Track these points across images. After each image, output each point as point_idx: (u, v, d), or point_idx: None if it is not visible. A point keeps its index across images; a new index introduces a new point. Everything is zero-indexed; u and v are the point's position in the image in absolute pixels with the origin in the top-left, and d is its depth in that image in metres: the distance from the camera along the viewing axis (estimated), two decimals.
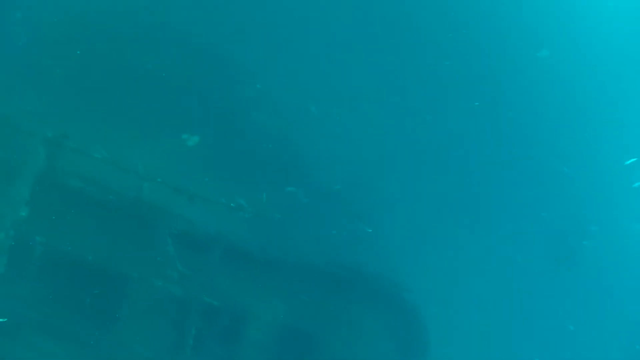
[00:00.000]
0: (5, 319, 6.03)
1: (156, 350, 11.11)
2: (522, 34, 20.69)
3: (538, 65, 20.48)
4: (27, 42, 12.86)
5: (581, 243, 21.56)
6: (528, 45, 20.64)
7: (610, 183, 23.28)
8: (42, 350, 10.59)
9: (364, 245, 14.38)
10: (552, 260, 22.70)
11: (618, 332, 22.47)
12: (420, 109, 18.35)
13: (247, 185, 12.00)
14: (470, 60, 20.60)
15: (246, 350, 11.58)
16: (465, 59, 20.44)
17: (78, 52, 12.99)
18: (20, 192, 10.11)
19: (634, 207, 24.25)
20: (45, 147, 10.37)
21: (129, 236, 10.83)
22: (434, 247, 16.77)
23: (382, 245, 15.11)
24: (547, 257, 22.64)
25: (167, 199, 10.73)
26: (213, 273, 11.07)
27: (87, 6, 13.50)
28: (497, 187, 21.54)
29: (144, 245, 10.82)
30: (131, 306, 10.91)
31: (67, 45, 13.25)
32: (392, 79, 18.80)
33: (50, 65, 12.96)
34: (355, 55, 17.99)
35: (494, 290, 20.80)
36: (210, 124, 13.79)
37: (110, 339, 11.02)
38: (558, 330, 21.33)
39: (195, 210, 10.77)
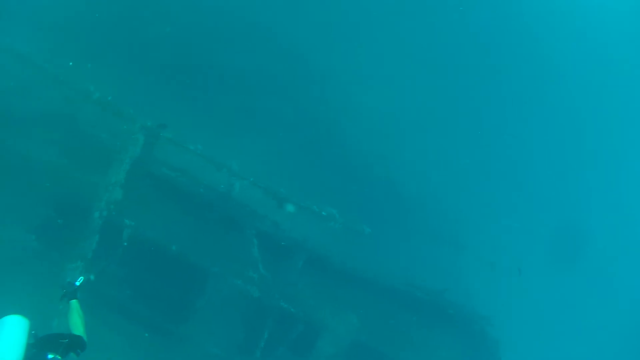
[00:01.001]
0: (83, 278, 5.98)
1: (226, 348, 10.91)
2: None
3: None
4: (138, 37, 13.13)
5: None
6: None
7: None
8: (116, 328, 10.62)
9: (450, 272, 13.67)
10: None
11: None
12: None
13: (341, 195, 11.60)
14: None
15: None
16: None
17: (187, 50, 13.07)
18: (117, 175, 10.15)
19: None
20: (144, 135, 10.38)
21: (215, 231, 10.66)
22: (521, 283, 15.77)
23: (468, 274, 14.35)
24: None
25: (257, 199, 10.48)
26: (294, 280, 10.74)
27: (199, 9, 13.64)
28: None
29: (229, 243, 10.62)
30: (208, 301, 10.74)
31: (176, 43, 13.41)
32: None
33: (157, 59, 13.16)
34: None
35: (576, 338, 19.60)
36: (310, 131, 13.53)
37: (182, 331, 10.90)
38: None
39: (284, 214, 10.49)
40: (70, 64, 11.29)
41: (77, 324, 5.44)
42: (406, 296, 11.57)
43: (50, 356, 4.80)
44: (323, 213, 10.47)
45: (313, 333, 11.14)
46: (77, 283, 5.95)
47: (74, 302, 5.74)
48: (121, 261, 10.67)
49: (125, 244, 10.28)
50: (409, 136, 14.35)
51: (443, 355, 11.80)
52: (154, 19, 13.08)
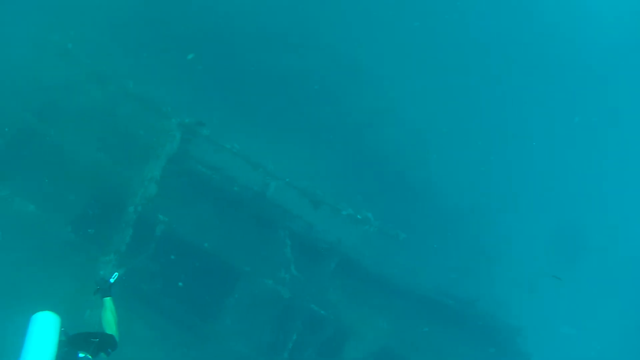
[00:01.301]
0: (117, 274, 5.82)
1: (253, 349, 10.66)
2: None
3: None
4: (179, 35, 13.01)
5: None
6: None
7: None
8: (147, 322, 10.48)
9: (483, 282, 13.19)
10: None
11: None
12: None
13: (377, 199, 11.26)
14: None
15: None
16: None
17: (227, 49, 12.84)
18: (153, 171, 10.00)
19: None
20: (180, 132, 10.21)
21: (248, 231, 10.43)
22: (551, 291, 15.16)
23: (500, 284, 13.83)
24: None
25: (292, 200, 10.21)
26: (325, 282, 10.43)
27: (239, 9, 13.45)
28: None
29: (262, 243, 10.38)
30: (238, 300, 10.51)
31: (216, 42, 13.25)
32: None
33: (196, 57, 13.02)
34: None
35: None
36: (348, 134, 13.20)
37: (211, 328, 10.70)
38: None
39: (319, 216, 10.18)
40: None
41: (109, 323, 5.24)
42: (437, 304, 11.14)
43: (81, 355, 4.61)
44: (358, 216, 10.14)
45: (342, 337, 10.83)
46: (112, 280, 5.72)
47: (107, 299, 5.52)
48: (154, 256, 10.52)
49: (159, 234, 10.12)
50: (448, 142, 13.93)
51: None
52: (195, 17, 12.94)
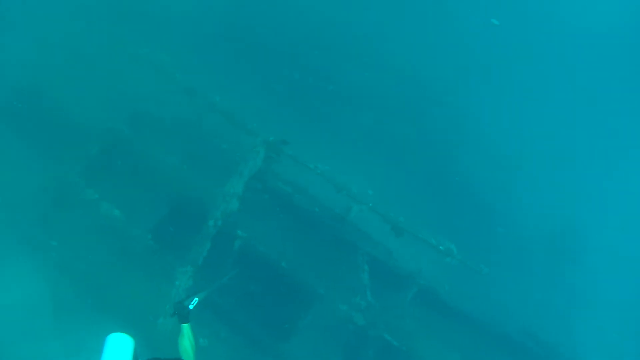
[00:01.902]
0: (198, 299, 5.59)
1: None
2: None
3: None
4: (270, 54, 13.02)
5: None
6: None
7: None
8: (217, 334, 10.33)
9: (565, 323, 12.21)
10: None
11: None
12: None
13: (461, 231, 10.71)
14: None
15: None
16: None
17: (315, 70, 12.74)
18: (235, 186, 9.90)
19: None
20: (265, 149, 10.08)
21: (326, 253, 10.11)
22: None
23: (584, 327, 12.76)
24: None
25: (374, 225, 9.82)
26: (401, 312, 9.92)
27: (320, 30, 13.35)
28: None
29: (339, 266, 10.02)
30: (310, 322, 10.18)
31: (305, 63, 13.18)
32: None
33: (284, 77, 12.97)
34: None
35: None
36: (436, 163, 12.70)
37: (280, 347, 10.41)
38: None
39: (400, 243, 9.72)
40: None
41: (186, 350, 4.98)
42: (518, 345, 10.36)
43: None
44: (441, 247, 9.59)
45: None
46: (191, 306, 5.46)
47: (185, 326, 5.26)
48: (229, 271, 10.36)
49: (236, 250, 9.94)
50: (539, 174, 13.10)
51: None
52: (284, 35, 12.90)
